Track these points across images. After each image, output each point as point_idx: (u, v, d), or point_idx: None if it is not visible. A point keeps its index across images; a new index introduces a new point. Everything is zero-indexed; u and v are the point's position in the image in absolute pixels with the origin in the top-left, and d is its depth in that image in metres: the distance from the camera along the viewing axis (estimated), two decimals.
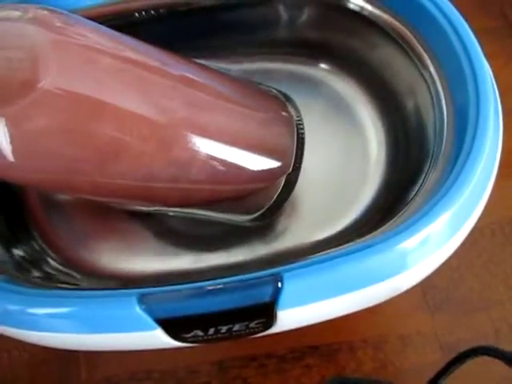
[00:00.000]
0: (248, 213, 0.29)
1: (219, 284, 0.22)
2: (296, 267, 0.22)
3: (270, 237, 0.30)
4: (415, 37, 0.28)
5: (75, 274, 0.29)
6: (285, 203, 0.29)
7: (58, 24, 0.23)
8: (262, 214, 0.29)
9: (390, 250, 0.23)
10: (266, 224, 0.30)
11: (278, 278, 0.22)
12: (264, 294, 0.22)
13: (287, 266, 0.22)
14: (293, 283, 0.22)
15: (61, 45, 0.22)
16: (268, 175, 0.27)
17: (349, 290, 0.23)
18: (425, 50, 0.27)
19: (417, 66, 0.28)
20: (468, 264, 0.33)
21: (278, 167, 0.27)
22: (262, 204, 0.29)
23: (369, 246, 0.23)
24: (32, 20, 0.22)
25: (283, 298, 0.22)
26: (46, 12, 0.23)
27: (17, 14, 0.23)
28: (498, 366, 0.25)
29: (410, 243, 0.23)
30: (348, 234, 0.29)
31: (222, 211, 0.29)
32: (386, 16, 0.28)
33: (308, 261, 0.23)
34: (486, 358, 0.25)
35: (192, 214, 0.29)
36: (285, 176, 0.28)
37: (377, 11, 0.29)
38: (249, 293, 0.22)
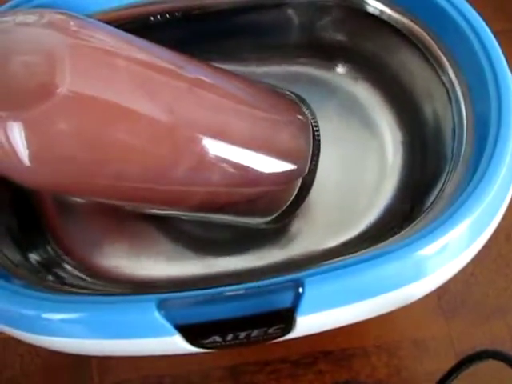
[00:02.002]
0: (263, 215, 0.29)
1: (239, 290, 0.22)
2: (316, 273, 0.22)
3: (284, 241, 0.30)
4: (435, 41, 0.27)
5: (89, 278, 0.29)
6: (300, 206, 0.29)
7: (74, 28, 0.23)
8: (277, 217, 0.29)
9: (410, 256, 0.22)
10: (280, 227, 0.30)
11: (299, 283, 0.22)
12: (285, 300, 0.22)
13: (308, 272, 0.22)
14: (314, 289, 0.22)
15: (77, 49, 0.22)
16: (284, 177, 0.27)
17: (368, 296, 0.23)
18: (444, 54, 0.27)
19: (436, 70, 0.28)
20: (483, 268, 0.33)
21: (294, 170, 0.27)
22: (277, 207, 0.28)
23: (388, 253, 0.23)
24: (48, 24, 0.22)
25: (303, 304, 0.22)
26: (61, 16, 0.23)
27: (33, 18, 0.23)
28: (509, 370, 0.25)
29: (430, 250, 0.22)
30: (364, 240, 0.29)
31: (237, 214, 0.29)
32: (405, 20, 0.28)
33: (328, 266, 0.23)
34: (498, 363, 0.25)
35: (206, 217, 0.29)
36: (301, 179, 0.28)
37: (396, 15, 0.28)
38: (269, 298, 0.22)
